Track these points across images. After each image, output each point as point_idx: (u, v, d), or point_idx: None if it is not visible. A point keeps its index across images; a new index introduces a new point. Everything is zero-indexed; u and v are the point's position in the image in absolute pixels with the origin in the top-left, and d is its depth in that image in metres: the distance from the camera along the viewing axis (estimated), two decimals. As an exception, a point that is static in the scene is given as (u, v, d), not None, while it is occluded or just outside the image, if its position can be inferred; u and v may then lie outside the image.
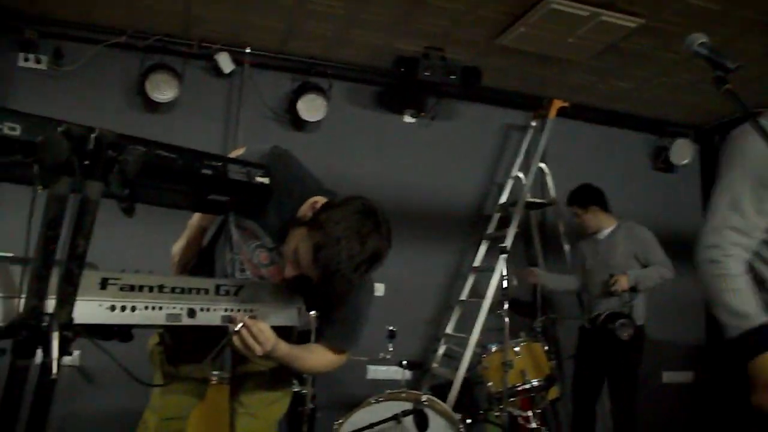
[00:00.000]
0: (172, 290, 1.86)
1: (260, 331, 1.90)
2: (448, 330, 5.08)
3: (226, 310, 1.95)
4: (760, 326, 1.74)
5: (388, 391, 3.38)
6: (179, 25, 4.81)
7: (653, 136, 6.15)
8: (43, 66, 4.84)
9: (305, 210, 2.00)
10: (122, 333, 1.95)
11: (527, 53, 4.89)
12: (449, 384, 4.54)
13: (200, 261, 2.47)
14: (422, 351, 5.22)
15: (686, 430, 5.80)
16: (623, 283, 4.23)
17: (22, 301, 1.46)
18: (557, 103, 5.25)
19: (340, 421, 3.14)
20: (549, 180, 5.31)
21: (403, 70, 4.85)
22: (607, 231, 4.57)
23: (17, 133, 1.43)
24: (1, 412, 1.45)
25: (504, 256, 4.06)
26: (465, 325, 4.94)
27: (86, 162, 1.46)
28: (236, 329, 1.87)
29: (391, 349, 3.57)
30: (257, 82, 5.11)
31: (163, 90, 4.83)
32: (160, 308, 1.81)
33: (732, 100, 1.58)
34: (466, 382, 4.41)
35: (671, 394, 5.83)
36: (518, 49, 4.81)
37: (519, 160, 5.48)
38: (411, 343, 5.14)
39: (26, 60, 4.83)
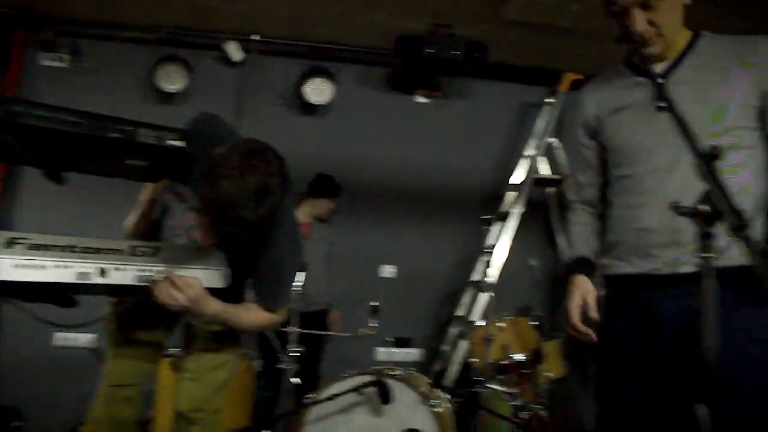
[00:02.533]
0: (84, 250, 1.92)
1: (181, 279, 1.95)
2: (460, 312, 5.02)
3: (141, 270, 2.01)
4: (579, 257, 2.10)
5: (373, 368, 3.37)
6: (190, 17, 4.93)
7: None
8: (64, 63, 5.06)
9: None
10: (60, 298, 2.04)
11: (534, 25, 4.75)
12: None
13: (151, 233, 2.53)
14: (436, 332, 5.19)
15: None
16: None
17: None
18: (569, 77, 5.09)
19: (311, 394, 3.16)
20: (561, 155, 5.16)
21: (405, 48, 4.82)
22: None
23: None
24: None
25: (486, 228, 3.97)
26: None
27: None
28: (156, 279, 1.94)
29: (374, 325, 3.55)
30: (266, 69, 5.18)
31: (173, 81, 4.98)
32: (71, 267, 1.89)
33: None
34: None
35: None
36: (524, 21, 4.69)
37: (536, 138, 5.34)
38: (423, 324, 5.13)
39: (48, 59, 5.07)
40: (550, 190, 5.34)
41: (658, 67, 1.87)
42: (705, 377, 1.11)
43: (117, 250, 1.99)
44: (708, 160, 1.24)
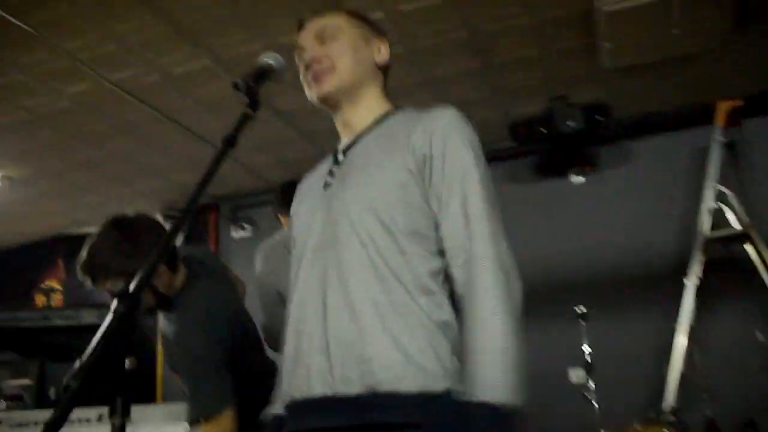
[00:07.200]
0: None
1: None
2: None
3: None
4: None
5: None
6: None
7: None
8: (248, 233, 5.77)
9: None
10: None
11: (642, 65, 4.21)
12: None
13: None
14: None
15: None
16: None
17: None
18: (723, 106, 4.22)
19: None
20: (734, 203, 4.21)
21: (521, 134, 4.57)
22: None
23: None
24: None
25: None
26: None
27: None
28: None
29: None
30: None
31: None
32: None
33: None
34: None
35: None
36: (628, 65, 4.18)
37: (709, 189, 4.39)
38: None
39: (235, 232, 5.85)
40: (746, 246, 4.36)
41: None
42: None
43: None
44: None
